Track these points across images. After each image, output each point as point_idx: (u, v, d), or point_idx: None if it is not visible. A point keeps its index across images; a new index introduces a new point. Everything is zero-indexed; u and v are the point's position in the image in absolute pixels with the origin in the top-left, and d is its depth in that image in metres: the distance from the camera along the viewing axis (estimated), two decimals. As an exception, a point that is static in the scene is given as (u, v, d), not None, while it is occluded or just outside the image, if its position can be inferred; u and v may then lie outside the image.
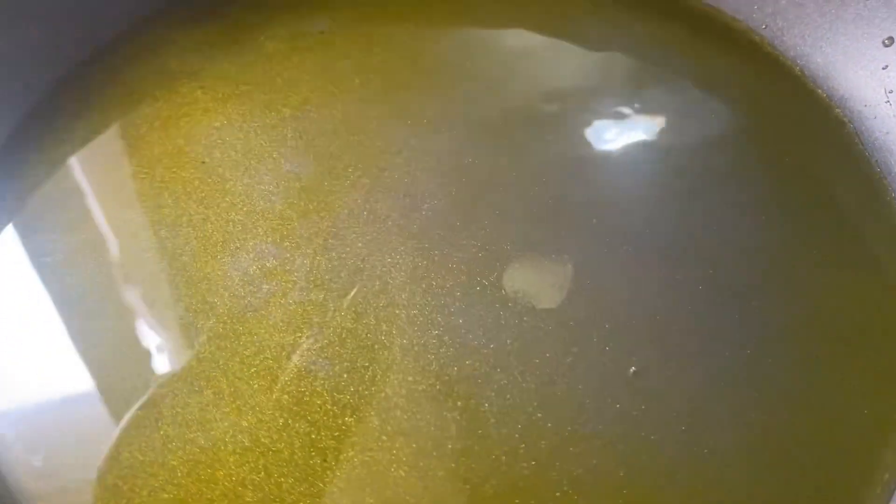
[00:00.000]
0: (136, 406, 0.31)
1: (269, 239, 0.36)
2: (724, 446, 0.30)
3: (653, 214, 0.36)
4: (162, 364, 0.32)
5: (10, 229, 0.37)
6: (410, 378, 0.31)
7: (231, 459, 0.30)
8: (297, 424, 0.30)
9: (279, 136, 0.39)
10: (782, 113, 0.41)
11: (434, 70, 0.43)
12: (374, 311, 0.33)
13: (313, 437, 0.30)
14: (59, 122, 0.40)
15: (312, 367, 0.32)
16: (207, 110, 0.40)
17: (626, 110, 0.41)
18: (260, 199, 0.37)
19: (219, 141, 0.39)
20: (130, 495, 0.30)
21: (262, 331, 0.33)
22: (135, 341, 0.33)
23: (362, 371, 0.32)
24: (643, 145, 0.40)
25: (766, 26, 0.43)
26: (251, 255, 0.35)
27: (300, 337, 0.33)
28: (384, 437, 0.30)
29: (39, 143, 0.40)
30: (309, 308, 0.33)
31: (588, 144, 0.39)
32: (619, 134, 0.40)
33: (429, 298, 0.33)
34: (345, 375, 0.31)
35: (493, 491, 0.29)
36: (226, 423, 0.31)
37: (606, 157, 0.39)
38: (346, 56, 0.42)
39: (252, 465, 0.30)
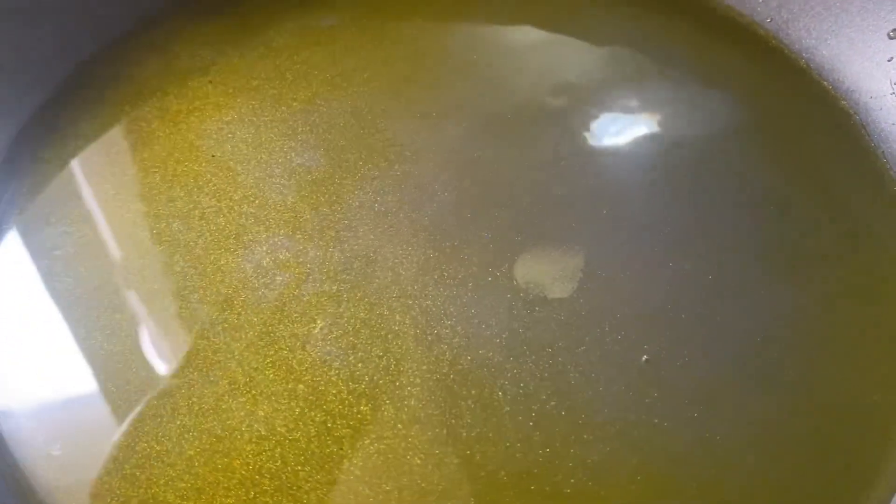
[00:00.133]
0: (153, 397, 0.31)
1: (282, 231, 0.36)
2: (735, 433, 0.30)
3: (661, 206, 0.37)
4: (177, 355, 0.32)
5: (21, 223, 0.37)
6: (424, 367, 0.32)
7: (248, 448, 0.30)
8: (312, 413, 0.31)
9: (290, 129, 0.39)
10: (788, 105, 0.41)
11: (442, 64, 0.43)
12: (387, 301, 0.34)
13: (329, 425, 0.30)
14: (70, 117, 0.40)
15: (327, 357, 0.32)
16: (218, 105, 0.40)
17: (632, 104, 0.41)
18: (272, 192, 0.37)
19: (229, 135, 0.39)
20: (148, 484, 0.30)
21: (277, 322, 0.33)
22: (150, 333, 0.33)
23: (377, 361, 0.32)
24: (650, 138, 0.40)
25: (772, 19, 0.44)
26: (264, 248, 0.35)
27: (314, 327, 0.33)
28: (399, 426, 0.30)
29: (50, 138, 0.40)
30: (323, 299, 0.34)
31: (596, 137, 0.40)
32: (627, 127, 0.40)
33: (441, 289, 0.34)
34: (359, 365, 0.32)
35: (507, 478, 0.29)
36: (242, 413, 0.31)
37: (614, 149, 0.40)
38: (355, 50, 0.43)
39: (269, 453, 0.30)
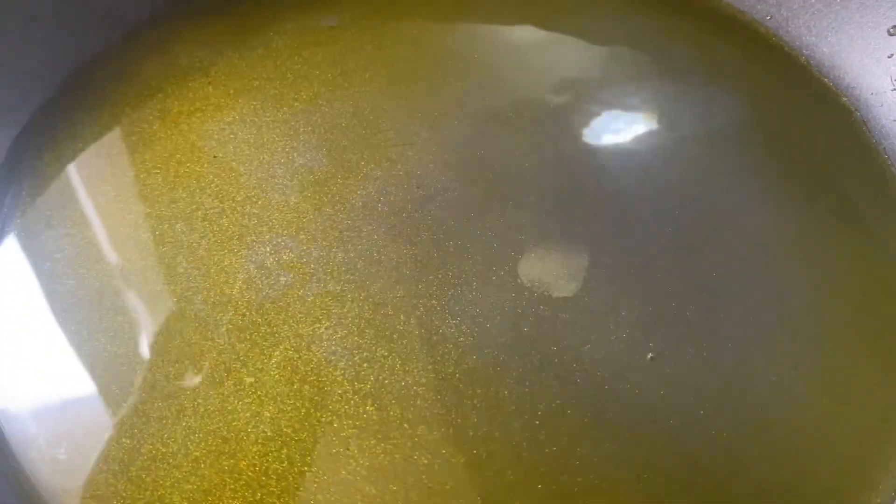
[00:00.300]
0: (157, 398, 0.31)
1: (285, 232, 0.36)
2: (742, 430, 0.30)
3: (664, 204, 0.37)
4: (181, 357, 0.32)
5: (23, 226, 0.37)
6: (430, 367, 0.32)
7: (254, 449, 0.30)
8: (318, 414, 0.31)
9: (291, 130, 0.39)
10: (790, 102, 0.42)
11: (443, 63, 0.43)
12: (391, 301, 0.33)
13: (335, 425, 0.30)
14: (70, 118, 0.40)
15: (332, 358, 0.32)
16: (219, 106, 0.40)
17: (633, 102, 0.41)
18: (274, 193, 0.37)
19: (231, 136, 0.39)
20: (154, 486, 0.30)
21: (282, 322, 0.33)
22: (154, 334, 0.33)
23: (382, 361, 0.32)
24: (651, 136, 0.40)
25: (771, 17, 0.44)
26: (268, 248, 0.35)
27: (319, 328, 0.33)
28: (405, 426, 0.30)
29: (50, 139, 0.40)
30: (327, 299, 0.34)
31: (598, 135, 0.40)
32: (628, 125, 0.40)
33: (446, 289, 0.34)
34: (365, 365, 0.32)
35: (514, 477, 0.29)
36: (247, 414, 0.31)
37: (616, 148, 0.40)
38: (356, 50, 0.43)
39: (275, 454, 0.30)
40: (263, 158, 0.38)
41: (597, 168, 0.38)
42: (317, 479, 0.30)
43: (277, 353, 0.32)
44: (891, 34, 0.40)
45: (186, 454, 0.30)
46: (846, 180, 0.38)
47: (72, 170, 0.38)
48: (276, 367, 0.32)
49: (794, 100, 0.42)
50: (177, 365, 0.32)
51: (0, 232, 0.37)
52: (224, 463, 0.30)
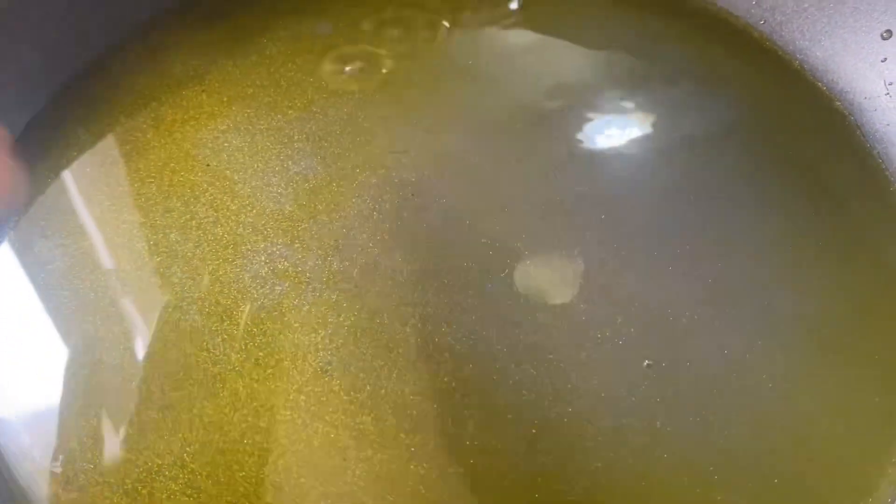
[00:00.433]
0: (153, 410, 0.31)
1: (280, 241, 0.36)
2: (739, 436, 0.30)
3: (659, 209, 0.37)
4: (177, 368, 0.32)
5: (16, 236, 0.37)
6: (426, 376, 0.32)
7: (250, 461, 0.30)
8: (315, 424, 0.31)
9: (285, 137, 0.39)
10: (783, 107, 0.42)
11: (437, 69, 0.43)
12: (387, 310, 0.33)
13: (332, 436, 0.30)
14: (63, 128, 0.40)
15: (328, 368, 0.32)
16: (213, 114, 0.40)
17: (627, 106, 0.41)
18: (269, 201, 0.37)
19: (225, 144, 0.39)
20: (150, 499, 0.30)
21: (277, 332, 0.33)
22: (149, 346, 0.33)
23: (378, 370, 0.32)
24: (646, 141, 0.40)
25: (765, 21, 0.44)
26: (262, 257, 0.35)
27: (315, 337, 0.33)
28: (402, 435, 0.30)
29: (43, 150, 0.39)
30: (323, 308, 0.33)
31: (593, 141, 0.40)
32: (622, 130, 0.40)
33: (442, 297, 0.34)
34: (361, 375, 0.32)
35: (512, 486, 0.29)
36: (244, 426, 0.31)
37: (611, 153, 0.40)
38: (351, 58, 0.43)
39: (271, 466, 0.30)
40: (258, 167, 0.38)
41: (592, 174, 0.38)
42: (314, 490, 0.30)
43: (273, 363, 0.32)
44: (884, 38, 0.40)
45: (183, 466, 0.30)
46: (841, 185, 0.38)
47: (66, 180, 0.38)
48: (273, 378, 0.32)
49: (788, 104, 0.42)
50: (172, 376, 0.32)
51: (-6, 242, 0.37)
52: (220, 475, 0.30)
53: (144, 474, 0.30)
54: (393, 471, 0.30)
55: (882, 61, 0.40)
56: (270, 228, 0.36)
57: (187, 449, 0.31)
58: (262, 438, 0.30)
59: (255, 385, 0.32)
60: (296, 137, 0.39)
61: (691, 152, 0.39)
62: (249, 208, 0.37)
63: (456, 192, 0.37)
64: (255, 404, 0.31)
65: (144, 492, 0.30)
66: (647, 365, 0.32)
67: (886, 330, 0.33)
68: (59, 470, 0.30)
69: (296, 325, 0.33)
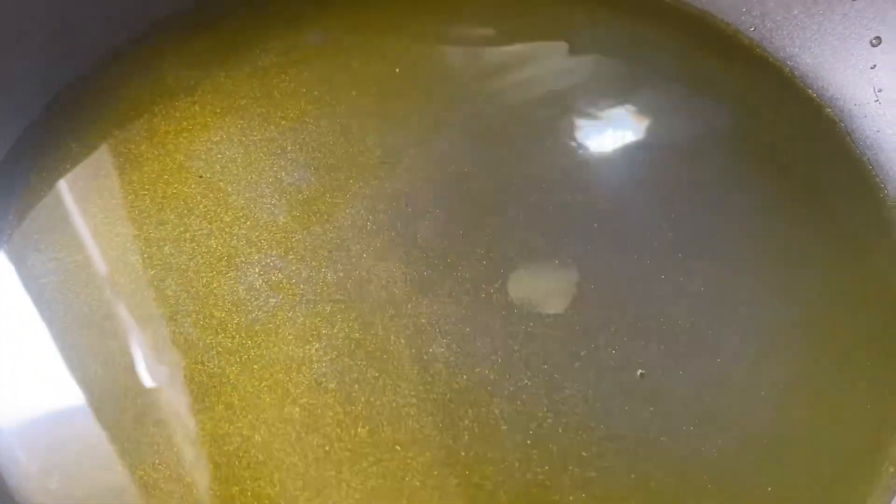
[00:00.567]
0: (149, 424, 0.31)
1: (274, 252, 0.36)
2: (733, 445, 0.30)
3: (651, 217, 0.37)
4: (172, 382, 0.32)
5: (8, 250, 0.37)
6: (421, 387, 0.32)
7: (246, 475, 0.30)
8: (310, 437, 0.31)
9: (279, 148, 0.39)
10: (774, 113, 0.42)
11: (430, 79, 0.43)
12: (381, 321, 0.33)
13: (327, 449, 0.30)
14: (55, 140, 0.40)
15: (323, 380, 0.32)
16: (206, 125, 0.40)
17: (619, 114, 0.42)
18: (263, 213, 0.37)
19: (218, 155, 0.39)
20: (146, 514, 0.30)
21: (272, 344, 0.33)
22: (143, 360, 0.33)
23: (373, 382, 0.32)
24: (637, 148, 0.40)
25: (755, 28, 0.44)
26: (257, 269, 0.35)
27: (310, 349, 0.33)
28: (398, 447, 0.30)
29: (35, 162, 0.39)
30: (317, 320, 0.34)
31: (585, 148, 0.40)
32: (614, 137, 0.41)
33: (435, 307, 0.34)
34: (356, 387, 0.32)
35: (507, 497, 0.29)
36: (238, 439, 0.31)
37: (603, 160, 0.40)
38: (343, 67, 0.43)
39: (267, 479, 0.30)
40: (251, 178, 0.38)
41: (585, 182, 0.39)
42: (309, 504, 0.30)
43: (268, 375, 0.32)
44: (873, 45, 0.40)
45: (178, 480, 0.30)
46: (831, 191, 0.39)
47: (59, 193, 0.38)
48: (267, 391, 0.32)
49: (779, 111, 0.42)
50: (167, 390, 0.32)
51: (-13, 257, 0.37)
52: (216, 488, 0.30)
53: (141, 489, 0.30)
54: (388, 484, 0.30)
55: (871, 68, 0.40)
56: (264, 240, 0.36)
57: (183, 463, 0.30)
58: (257, 452, 0.30)
59: (250, 398, 0.32)
60: (289, 148, 0.39)
61: (682, 159, 0.40)
62: (243, 220, 0.37)
63: (449, 202, 0.37)
64: (250, 417, 0.31)
65: (140, 506, 0.30)
66: (641, 374, 0.32)
67: (878, 336, 0.34)
68: (54, 486, 0.30)
69: (290, 337, 0.33)
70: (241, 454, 0.30)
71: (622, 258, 0.35)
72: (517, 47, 0.45)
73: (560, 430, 0.30)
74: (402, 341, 0.33)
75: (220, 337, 0.33)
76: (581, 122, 0.41)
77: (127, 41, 0.43)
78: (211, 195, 0.38)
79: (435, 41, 0.45)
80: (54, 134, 0.40)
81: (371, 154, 0.39)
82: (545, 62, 0.44)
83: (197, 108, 0.41)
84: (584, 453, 0.30)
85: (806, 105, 0.42)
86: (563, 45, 0.45)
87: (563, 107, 0.42)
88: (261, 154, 0.39)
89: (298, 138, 0.40)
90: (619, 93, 0.43)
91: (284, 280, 0.35)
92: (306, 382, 0.32)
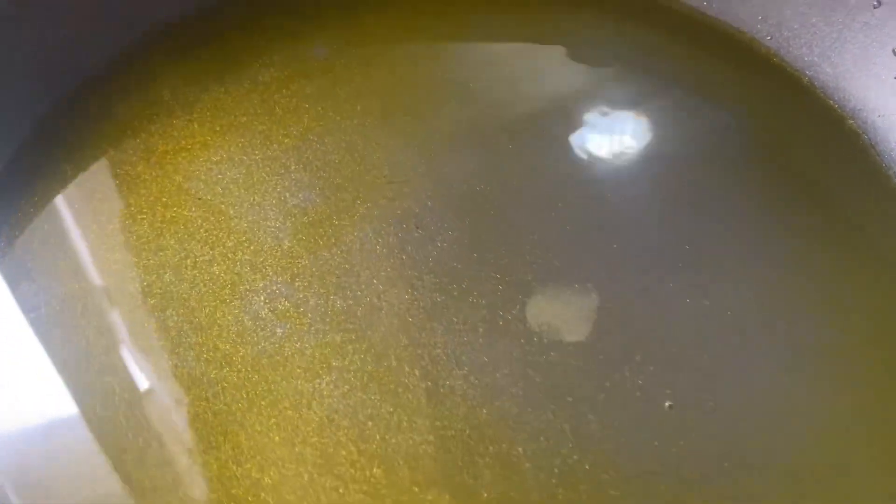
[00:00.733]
0: (152, 466, 0.30)
1: (280, 279, 0.34)
2: (769, 483, 0.29)
3: (672, 236, 0.35)
4: (176, 420, 0.31)
5: (1, 278, 0.35)
6: (438, 423, 0.30)
7: (255, 519, 0.29)
8: (322, 479, 0.29)
9: (282, 168, 0.38)
10: (794, 126, 0.41)
11: (436, 91, 0.41)
12: (394, 351, 0.32)
13: (341, 491, 0.29)
14: (48, 162, 0.38)
15: (335, 416, 0.30)
16: (205, 144, 0.39)
17: (632, 126, 0.40)
18: (267, 237, 0.35)
19: (219, 176, 0.37)
20: (150, 562, 0.28)
21: (280, 378, 0.31)
22: (144, 397, 0.31)
23: (388, 417, 0.30)
24: (652, 161, 0.39)
25: (772, 37, 0.43)
26: (262, 297, 0.33)
27: (320, 383, 0.31)
28: (416, 489, 0.29)
29: (27, 185, 0.38)
30: (326, 351, 0.32)
31: (600, 163, 0.39)
32: (627, 150, 0.39)
33: (451, 336, 0.32)
34: (369, 423, 0.30)
35: (532, 539, 0.28)
36: (247, 482, 0.29)
37: (617, 174, 0.38)
38: (346, 81, 0.41)
39: (278, 524, 0.28)
40: (254, 200, 0.37)
41: (600, 200, 0.37)
42: (324, 550, 0.28)
43: (277, 412, 0.31)
44: (896, 54, 0.39)
45: (184, 526, 0.29)
46: (856, 207, 0.37)
47: (52, 217, 0.37)
48: (276, 429, 0.30)
49: (799, 123, 0.41)
50: (171, 429, 0.30)
51: (-23, 286, 0.35)
52: (224, 534, 0.28)
53: (143, 536, 0.29)
54: (407, 527, 0.28)
55: (895, 78, 0.39)
56: (269, 266, 0.34)
57: (188, 508, 0.29)
58: (267, 495, 0.29)
59: (259, 437, 0.30)
60: (293, 168, 0.38)
61: (700, 173, 0.38)
62: (247, 245, 0.35)
63: (460, 223, 0.36)
64: (258, 458, 0.29)
65: (144, 555, 0.28)
66: (669, 406, 0.30)
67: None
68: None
69: (299, 370, 0.31)
70: (250, 498, 0.29)
71: (643, 280, 0.34)
72: (527, 58, 0.44)
73: (587, 468, 0.29)
74: (417, 373, 0.31)
75: (225, 371, 0.32)
76: (593, 135, 0.40)
77: (121, 57, 0.42)
78: (212, 218, 0.36)
79: (441, 50, 0.44)
80: (46, 155, 0.38)
81: (378, 173, 0.37)
82: (554, 74, 0.43)
83: (195, 126, 0.39)
84: (612, 492, 0.28)
85: (827, 116, 0.40)
86: (573, 57, 0.43)
87: (574, 119, 0.40)
88: (263, 174, 0.37)
89: (302, 157, 0.38)
90: (633, 104, 0.41)
91: (291, 308, 0.33)
92: (317, 419, 0.30)
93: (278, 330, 0.33)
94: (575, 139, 0.39)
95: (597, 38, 0.44)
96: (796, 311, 0.33)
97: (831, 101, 0.40)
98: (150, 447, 0.30)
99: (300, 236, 0.35)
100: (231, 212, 0.36)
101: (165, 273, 0.34)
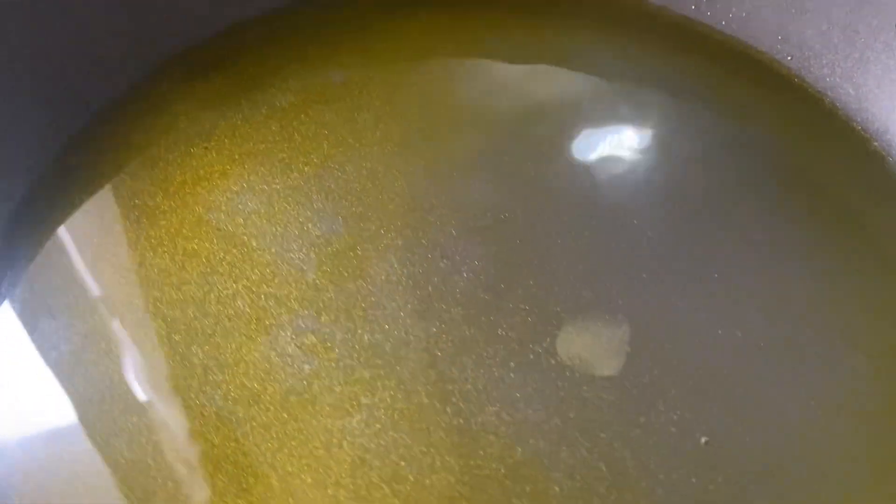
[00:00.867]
0: (182, 511, 0.29)
1: (306, 312, 0.34)
2: (808, 517, 0.29)
3: (701, 265, 0.35)
4: (204, 461, 0.30)
5: (22, 316, 0.34)
6: (472, 462, 0.30)
7: (289, 565, 0.28)
8: (357, 522, 0.29)
9: (304, 197, 0.37)
10: (816, 148, 0.40)
11: (457, 114, 0.41)
12: (424, 387, 0.31)
13: (376, 535, 0.28)
14: (63, 196, 0.38)
15: (366, 456, 0.30)
16: (224, 173, 0.38)
17: (654, 148, 0.40)
18: (291, 269, 0.35)
19: (240, 206, 0.37)
20: None
21: (309, 417, 0.31)
22: (172, 437, 0.31)
23: (420, 458, 0.30)
24: (675, 185, 0.39)
25: (792, 57, 0.42)
26: (288, 332, 0.33)
27: (350, 421, 0.31)
28: (452, 531, 0.28)
29: (43, 220, 0.37)
30: (356, 388, 0.31)
31: (627, 188, 0.38)
32: (650, 174, 0.39)
33: (481, 371, 0.32)
34: (402, 463, 0.30)
35: (570, 582, 0.28)
36: (280, 526, 0.29)
37: (643, 199, 0.38)
38: (365, 107, 0.41)
39: (313, 570, 0.28)
40: (276, 231, 0.36)
41: (627, 225, 0.37)
42: None
43: (307, 452, 0.30)
44: (920, 75, 0.38)
45: (216, 573, 0.28)
46: (884, 231, 0.37)
47: (70, 251, 0.36)
48: (307, 470, 0.30)
49: (822, 145, 0.40)
50: (199, 470, 0.30)
51: (-4, 324, 0.34)
52: (258, 581, 0.28)
53: (175, 583, 0.28)
54: (444, 570, 0.28)
55: (919, 100, 0.38)
56: (294, 299, 0.34)
57: (220, 554, 0.28)
58: (301, 540, 0.28)
59: (290, 479, 0.29)
60: (314, 197, 0.37)
61: (722, 197, 0.38)
62: (271, 277, 0.35)
63: (487, 254, 0.35)
64: (291, 501, 0.29)
65: None
66: (705, 442, 0.30)
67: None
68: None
69: (328, 408, 0.31)
70: (283, 543, 0.28)
71: (674, 310, 0.34)
72: (544, 80, 0.43)
73: (624, 508, 0.29)
74: (449, 410, 0.31)
75: (253, 410, 0.31)
76: (620, 160, 0.39)
77: (135, 85, 0.41)
78: (234, 251, 0.35)
79: (461, 71, 0.43)
80: (63, 190, 0.38)
81: (401, 201, 0.37)
82: (577, 96, 0.43)
83: (214, 155, 0.39)
84: (651, 533, 0.28)
85: (850, 138, 0.40)
86: (593, 80, 0.43)
87: (597, 142, 0.40)
88: (285, 204, 0.37)
89: (324, 185, 0.38)
90: (654, 127, 0.41)
91: (318, 343, 0.33)
92: (349, 460, 0.30)
93: (306, 366, 0.32)
94: (599, 163, 0.39)
95: (616, 62, 0.43)
96: (834, 342, 0.33)
97: (854, 123, 0.40)
98: (178, 490, 0.30)
99: (325, 268, 0.35)
100: (254, 243, 0.36)
101: (189, 308, 0.34)
